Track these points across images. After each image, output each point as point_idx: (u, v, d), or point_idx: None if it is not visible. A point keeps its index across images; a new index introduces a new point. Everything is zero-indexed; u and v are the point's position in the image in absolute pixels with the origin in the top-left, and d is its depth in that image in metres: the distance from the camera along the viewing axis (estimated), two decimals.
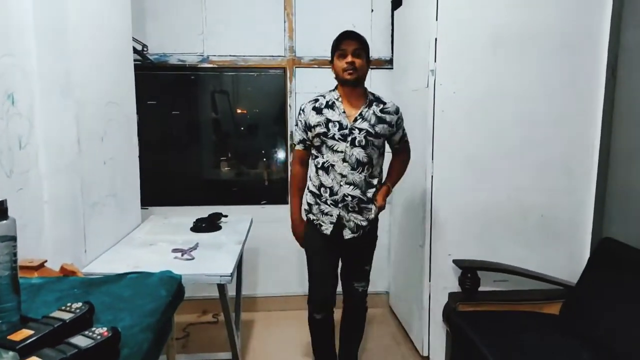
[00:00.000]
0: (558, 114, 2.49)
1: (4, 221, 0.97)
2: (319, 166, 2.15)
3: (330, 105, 2.13)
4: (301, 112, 2.18)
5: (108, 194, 2.16)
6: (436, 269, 2.57)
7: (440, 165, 2.50)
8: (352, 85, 2.09)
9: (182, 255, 2.04)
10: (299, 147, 2.22)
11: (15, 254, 0.99)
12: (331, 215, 2.15)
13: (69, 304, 0.97)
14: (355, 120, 2.10)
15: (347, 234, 2.17)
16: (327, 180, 2.12)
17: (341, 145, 2.08)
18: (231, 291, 2.44)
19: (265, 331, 3.12)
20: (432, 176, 2.51)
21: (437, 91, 2.45)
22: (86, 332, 0.86)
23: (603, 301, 2.13)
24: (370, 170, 2.13)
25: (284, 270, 3.39)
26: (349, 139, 2.08)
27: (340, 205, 2.12)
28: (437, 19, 2.41)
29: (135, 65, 2.63)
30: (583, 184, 2.54)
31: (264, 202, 3.38)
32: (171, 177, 3.36)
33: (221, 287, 2.06)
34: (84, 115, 1.93)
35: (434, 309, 2.58)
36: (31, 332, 0.87)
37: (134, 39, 2.69)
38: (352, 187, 2.10)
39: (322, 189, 2.15)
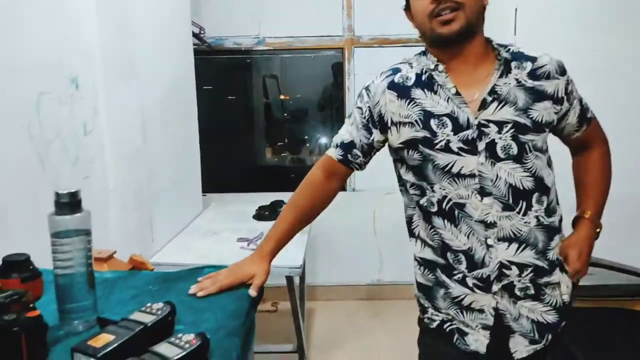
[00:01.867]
0: None
1: (78, 214, 0.89)
2: (432, 210, 1.12)
3: (426, 82, 1.11)
4: (364, 93, 1.18)
5: (171, 181, 2.12)
6: None
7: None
8: (459, 42, 1.07)
9: (248, 245, 1.97)
10: (331, 154, 1.20)
11: (90, 249, 0.92)
12: (482, 312, 1.11)
13: (148, 305, 0.88)
14: (484, 105, 1.07)
15: (521, 349, 1.11)
16: (455, 236, 1.10)
17: (469, 162, 1.07)
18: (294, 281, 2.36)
19: (326, 321, 3.04)
20: None
21: None
22: (172, 340, 0.76)
23: None
24: (544, 201, 1.10)
25: (345, 258, 3.29)
26: (481, 146, 1.06)
27: (495, 287, 1.09)
28: None
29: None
30: None
31: None
32: (228, 163, 3.31)
33: (289, 279, 1.97)
34: (148, 100, 1.88)
35: None
36: (111, 337, 0.79)
37: (192, 22, 2.62)
38: (514, 245, 1.08)
39: (450, 256, 1.12)
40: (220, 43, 3.09)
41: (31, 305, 0.83)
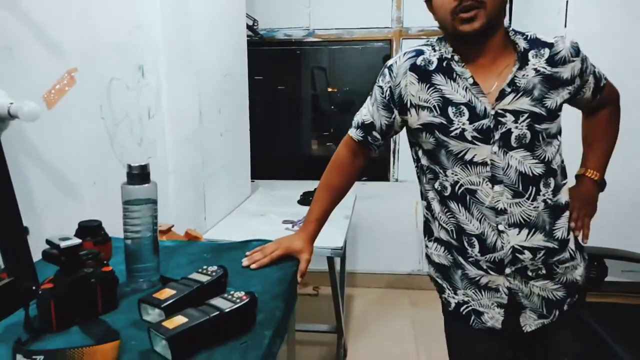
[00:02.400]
0: None
1: (147, 184, 1.01)
2: (445, 192, 1.16)
3: (447, 69, 1.13)
4: (387, 72, 1.19)
5: (224, 165, 2.24)
6: None
7: (566, 143, 2.28)
8: (479, 39, 1.09)
9: (293, 227, 2.06)
10: (352, 134, 1.27)
11: (155, 217, 1.04)
12: (497, 291, 1.16)
13: (205, 267, 0.99)
14: (502, 96, 1.09)
15: (530, 322, 1.17)
16: (469, 221, 1.14)
17: (482, 151, 1.10)
18: (335, 266, 2.44)
19: (366, 307, 3.12)
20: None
21: None
22: (225, 295, 0.87)
23: None
24: (550, 183, 1.12)
25: (385, 247, 3.35)
26: (497, 136, 1.09)
27: (508, 269, 1.13)
28: None
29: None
30: None
31: (364, 178, 3.33)
32: (276, 150, 3.43)
33: (330, 261, 2.06)
34: (204, 88, 1.99)
35: None
36: (173, 291, 0.90)
37: (246, 15, 2.73)
38: (525, 230, 1.11)
39: (465, 239, 1.15)
40: (272, 35, 3.20)
41: (105, 262, 0.96)
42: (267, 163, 3.37)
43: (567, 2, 2.19)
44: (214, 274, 0.97)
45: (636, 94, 2.18)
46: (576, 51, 1.13)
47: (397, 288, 3.14)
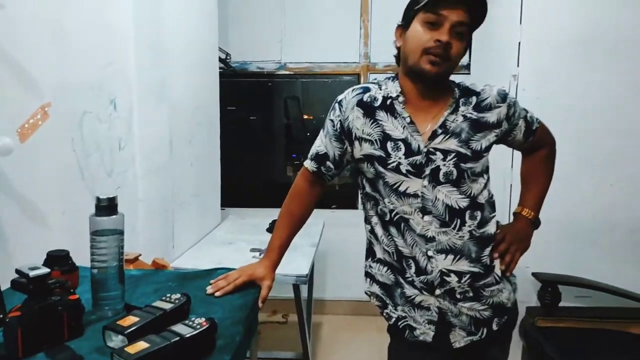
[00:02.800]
0: None
1: (115, 216, 1.06)
2: (386, 218, 1.26)
3: (390, 107, 1.23)
4: (337, 106, 1.29)
5: (193, 193, 2.29)
6: None
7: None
8: (430, 83, 1.21)
9: (260, 254, 2.11)
10: (307, 165, 1.35)
11: (122, 247, 1.09)
12: (428, 310, 1.26)
13: (168, 295, 1.04)
14: (434, 136, 1.20)
15: (460, 340, 1.27)
16: (404, 245, 1.24)
17: (414, 184, 1.21)
18: (302, 293, 2.49)
19: (334, 334, 3.16)
20: (511, 185, 2.43)
21: (519, 97, 2.37)
22: (186, 322, 0.92)
23: None
24: (477, 216, 1.23)
25: (352, 274, 3.37)
26: (427, 171, 1.20)
27: (438, 291, 1.24)
28: (520, 22, 2.34)
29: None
30: None
31: (334, 206, 3.43)
32: (246, 179, 3.49)
33: (296, 288, 2.12)
34: (176, 119, 2.06)
35: None
36: (137, 319, 0.95)
37: (219, 49, 2.83)
38: (450, 256, 1.22)
39: (403, 261, 1.25)
40: (244, 67, 3.31)
41: (72, 290, 1.00)
42: (239, 191, 3.42)
43: (519, 43, 2.36)
44: (176, 301, 1.02)
45: (589, 132, 2.35)
46: (503, 98, 1.25)
47: (365, 315, 3.18)
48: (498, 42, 2.64)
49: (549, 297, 2.32)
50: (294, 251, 2.18)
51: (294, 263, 2.03)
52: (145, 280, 1.29)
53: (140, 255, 1.64)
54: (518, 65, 2.37)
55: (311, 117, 3.50)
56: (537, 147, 1.40)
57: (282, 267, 1.94)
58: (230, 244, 2.32)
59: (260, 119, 3.49)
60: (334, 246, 3.35)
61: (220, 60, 2.98)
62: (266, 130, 3.51)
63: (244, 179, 3.48)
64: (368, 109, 1.24)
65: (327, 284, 3.45)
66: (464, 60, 3.22)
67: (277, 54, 3.32)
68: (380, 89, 1.27)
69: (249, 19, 3.29)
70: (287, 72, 3.33)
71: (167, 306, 1.00)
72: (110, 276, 1.06)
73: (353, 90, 1.29)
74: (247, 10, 3.28)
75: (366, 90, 1.28)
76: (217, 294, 1.20)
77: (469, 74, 3.17)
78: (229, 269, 1.33)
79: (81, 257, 1.13)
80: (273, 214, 2.84)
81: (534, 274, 2.40)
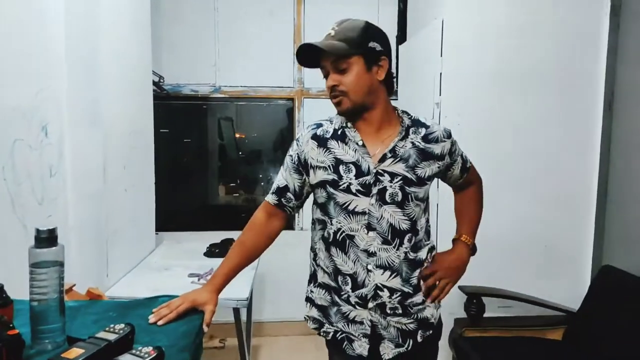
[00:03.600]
0: (557, 147, 2.59)
1: (54, 247, 1.05)
2: (329, 239, 1.37)
3: (341, 136, 1.36)
4: (295, 143, 1.42)
5: (128, 220, 2.25)
6: None
7: (446, 194, 2.57)
8: (354, 115, 1.35)
9: (199, 280, 2.11)
10: (268, 199, 1.44)
11: (62, 278, 1.07)
12: (361, 323, 1.36)
13: (112, 326, 1.04)
14: (383, 159, 1.33)
15: (388, 351, 1.38)
16: (345, 262, 1.35)
17: (362, 202, 1.32)
18: (241, 316, 2.49)
19: (274, 356, 3.16)
20: (437, 205, 2.60)
21: (442, 123, 2.55)
22: (134, 352, 0.93)
23: (604, 326, 2.20)
24: (413, 240, 1.36)
25: (290, 295, 3.42)
26: (375, 191, 1.32)
27: (371, 304, 1.35)
28: (441, 55, 2.53)
29: None
30: (583, 214, 2.63)
31: None
32: (181, 202, 3.45)
33: (236, 312, 2.12)
34: (110, 144, 2.03)
35: None
36: (82, 350, 0.94)
37: (153, 72, 2.81)
38: (387, 272, 1.33)
39: (340, 279, 1.36)
40: (178, 90, 3.30)
41: (10, 325, 0.98)
42: (173, 215, 3.37)
43: (440, 73, 2.55)
44: (121, 331, 1.02)
45: (506, 155, 2.57)
46: (448, 135, 1.42)
47: (303, 335, 3.22)
48: (423, 72, 2.83)
49: (474, 308, 2.49)
50: None
51: (234, 287, 2.02)
52: (83, 311, 1.26)
53: (74, 285, 1.59)
54: (440, 94, 2.56)
55: (244, 136, 3.54)
56: (469, 184, 1.57)
57: (222, 291, 1.97)
58: (166, 269, 2.29)
59: (194, 141, 3.47)
60: (271, 268, 3.37)
61: (154, 83, 2.95)
62: (200, 153, 3.50)
63: (178, 202, 3.43)
64: (321, 141, 1.37)
65: (266, 306, 3.46)
66: None
67: (211, 78, 3.34)
68: (331, 124, 1.40)
69: (182, 42, 3.29)
70: (222, 95, 3.36)
71: (112, 337, 1.00)
72: (50, 308, 1.04)
73: (308, 127, 1.42)
74: (180, 33, 3.28)
75: (319, 126, 1.41)
76: (159, 322, 1.20)
77: (397, 99, 3.36)
78: (171, 297, 1.33)
79: (16, 290, 1.10)
80: (208, 237, 2.87)
81: (460, 287, 2.56)
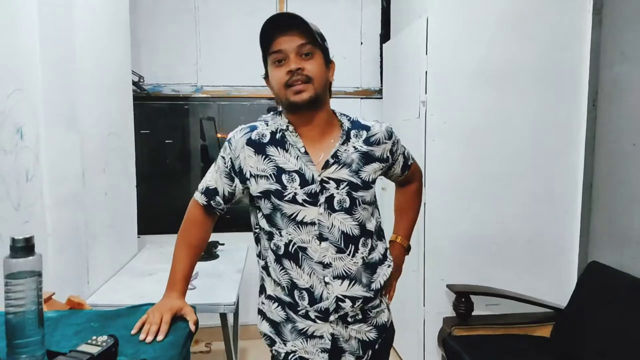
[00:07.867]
0: (542, 144, 2.60)
1: (32, 257, 0.99)
2: (281, 251, 1.28)
3: (280, 141, 1.27)
4: (227, 145, 1.32)
5: (108, 224, 2.18)
6: (430, 294, 2.62)
7: (432, 192, 2.58)
8: (308, 110, 1.24)
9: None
10: (197, 198, 1.36)
11: (40, 289, 1.01)
12: (321, 338, 1.29)
13: (94, 338, 0.99)
14: (327, 166, 1.25)
15: None
16: (300, 276, 1.27)
17: (310, 212, 1.24)
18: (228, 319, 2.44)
19: (261, 359, 3.11)
20: (424, 203, 2.59)
21: (428, 121, 2.55)
22: None
23: (592, 323, 2.21)
24: (368, 243, 1.31)
25: None
26: (322, 199, 1.25)
27: (333, 317, 1.28)
28: (427, 53, 2.51)
29: None
30: (569, 211, 2.64)
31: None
32: (163, 205, 3.37)
33: (223, 317, 2.07)
34: (88, 146, 1.96)
35: (429, 333, 2.62)
36: None
37: (132, 72, 2.74)
38: (346, 282, 1.27)
39: (297, 293, 1.28)
40: (158, 90, 3.22)
41: None
42: (155, 218, 3.29)
43: (426, 72, 2.53)
44: (104, 344, 0.97)
45: (491, 152, 2.56)
46: (389, 135, 1.36)
47: None
48: (407, 71, 2.81)
49: (462, 307, 2.48)
50: (219, 279, 2.15)
51: (221, 291, 2.00)
52: (63, 322, 1.20)
53: (53, 294, 1.53)
54: (426, 93, 2.54)
55: (225, 136, 3.48)
56: (410, 181, 1.56)
57: (208, 296, 1.92)
58: (150, 274, 2.23)
59: (176, 142, 3.40)
60: (257, 270, 3.32)
61: (134, 83, 2.88)
62: (182, 153, 3.42)
63: (160, 204, 3.36)
64: (258, 147, 1.27)
65: (252, 308, 3.40)
66: (376, 86, 3.39)
67: (193, 77, 3.27)
68: (267, 126, 1.30)
69: (163, 41, 3.22)
70: (204, 95, 3.29)
71: (94, 350, 0.95)
72: (28, 321, 0.98)
73: (241, 130, 1.32)
74: (160, 32, 3.21)
75: (253, 128, 1.31)
76: (158, 338, 1.11)
77: (381, 98, 3.34)
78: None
79: None
80: None
81: (448, 286, 2.56)
